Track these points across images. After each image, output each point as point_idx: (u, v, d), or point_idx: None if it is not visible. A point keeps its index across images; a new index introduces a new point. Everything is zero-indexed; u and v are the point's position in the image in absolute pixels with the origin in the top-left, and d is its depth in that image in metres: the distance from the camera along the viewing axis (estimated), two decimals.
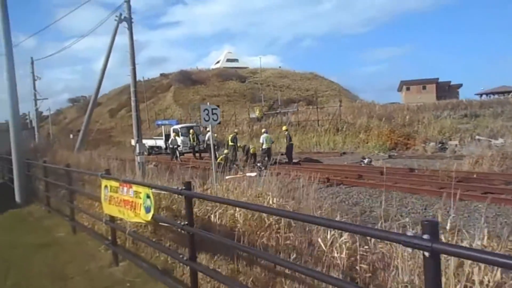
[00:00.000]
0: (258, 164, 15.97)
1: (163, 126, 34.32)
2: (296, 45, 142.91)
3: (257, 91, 63.14)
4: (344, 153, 23.54)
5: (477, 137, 20.21)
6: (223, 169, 13.40)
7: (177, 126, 31.19)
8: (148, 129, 47.67)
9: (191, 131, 25.96)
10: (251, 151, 19.16)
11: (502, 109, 27.33)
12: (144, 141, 32.07)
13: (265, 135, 18.72)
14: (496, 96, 50.39)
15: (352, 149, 24.29)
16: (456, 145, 20.62)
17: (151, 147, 33.07)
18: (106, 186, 5.66)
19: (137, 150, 16.10)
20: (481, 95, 55.36)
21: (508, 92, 52.41)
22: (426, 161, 17.95)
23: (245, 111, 44.19)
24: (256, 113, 43.99)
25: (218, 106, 11.86)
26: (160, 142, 32.82)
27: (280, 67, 76.33)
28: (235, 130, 21.07)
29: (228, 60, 78.89)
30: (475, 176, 12.42)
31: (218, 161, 18.12)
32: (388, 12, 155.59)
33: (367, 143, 24.08)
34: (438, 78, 53.92)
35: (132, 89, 16.32)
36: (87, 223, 7.71)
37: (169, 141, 25.23)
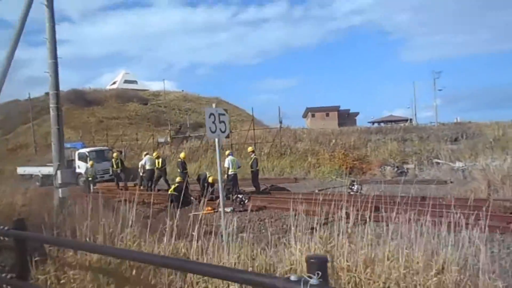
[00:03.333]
0: (240, 196, 11.95)
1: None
2: (192, 72, 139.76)
3: (162, 114, 58.05)
4: (295, 178, 20.77)
5: (435, 160, 19.20)
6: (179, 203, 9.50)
7: (84, 150, 24.97)
8: (36, 154, 39.11)
9: (114, 154, 20.41)
10: (209, 180, 14.94)
11: (427, 134, 27.72)
12: (36, 169, 25.03)
13: (230, 157, 14.70)
14: (388, 124, 53.98)
15: (303, 175, 21.60)
16: (413, 168, 19.34)
17: (46, 176, 25.95)
18: None
19: (58, 180, 10.93)
20: (373, 123, 58.86)
21: (395, 121, 56.90)
22: (402, 187, 16.06)
23: (150, 135, 39.45)
24: (168, 138, 39.76)
25: (226, 110, 7.96)
26: None
27: (183, 90, 71.89)
28: (181, 155, 16.47)
29: (126, 82, 71.72)
30: None
31: (170, 191, 13.61)
32: (280, 46, 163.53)
33: (317, 167, 21.67)
34: (339, 106, 55.84)
35: (51, 92, 11.20)
36: None
37: (85, 170, 19.42)
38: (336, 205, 10.98)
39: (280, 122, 29.57)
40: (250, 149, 16.41)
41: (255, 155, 15.93)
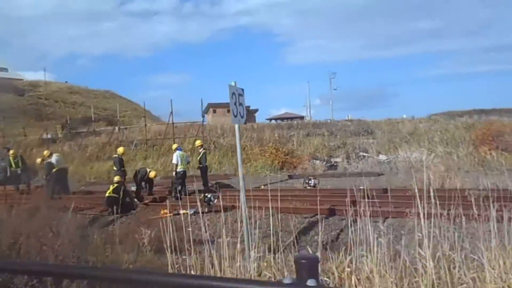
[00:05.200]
0: (208, 195, 10.29)
1: None
2: (71, 62, 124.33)
3: (43, 108, 50.52)
4: (225, 175, 19.58)
5: (361, 153, 20.00)
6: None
7: None
8: None
9: (11, 152, 16.30)
10: (150, 175, 12.79)
11: (336, 129, 29.04)
12: None
13: (178, 152, 12.72)
14: (285, 121, 56.02)
15: (232, 171, 20.48)
16: (342, 162, 19.88)
17: None
18: None
19: None
20: (270, 119, 60.49)
21: (291, 118, 59.43)
22: (343, 180, 16.24)
23: (32, 131, 34.04)
24: (58, 133, 34.68)
25: (243, 90, 6.64)
26: None
27: (66, 82, 63.79)
28: (119, 150, 13.68)
29: None
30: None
31: (108, 193, 11.33)
32: (171, 40, 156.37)
33: (247, 163, 20.78)
34: None
35: None
36: None
37: None
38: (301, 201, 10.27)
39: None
40: (198, 142, 14.61)
41: (204, 149, 14.25)
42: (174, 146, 13.53)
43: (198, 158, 14.08)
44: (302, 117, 58.12)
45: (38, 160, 15.78)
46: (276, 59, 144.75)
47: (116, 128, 34.53)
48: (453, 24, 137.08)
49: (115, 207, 10.80)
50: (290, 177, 17.96)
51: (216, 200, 10.30)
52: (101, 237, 7.18)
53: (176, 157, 12.55)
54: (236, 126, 6.24)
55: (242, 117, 6.36)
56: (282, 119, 60.11)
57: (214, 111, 55.32)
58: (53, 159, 14.63)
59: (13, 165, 15.57)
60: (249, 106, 59.81)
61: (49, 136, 34.17)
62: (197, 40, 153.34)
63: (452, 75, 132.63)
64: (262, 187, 15.62)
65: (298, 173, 18.76)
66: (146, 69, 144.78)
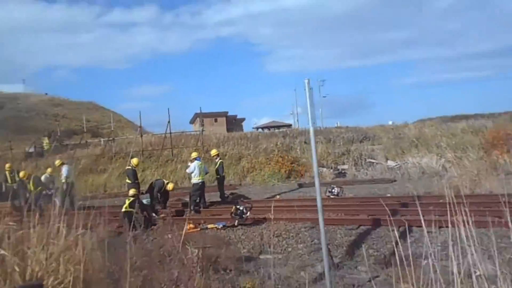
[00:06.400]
0: (241, 208, 9.35)
1: None
2: (49, 74, 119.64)
3: (23, 121, 48.28)
4: (230, 185, 18.64)
5: (369, 160, 19.48)
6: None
7: None
8: None
9: (7, 165, 14.88)
10: (168, 187, 11.75)
11: (330, 137, 28.56)
12: None
13: (197, 162, 11.80)
14: (271, 129, 55.43)
15: (237, 180, 19.58)
16: (350, 169, 19.30)
17: None
18: None
19: None
20: (257, 128, 59.83)
21: (278, 126, 58.93)
22: (358, 188, 15.61)
23: (14, 145, 32.14)
24: (44, 145, 32.87)
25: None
26: None
27: (46, 94, 61.43)
28: (133, 161, 12.47)
29: None
30: None
31: (125, 208, 10.29)
32: (150, 51, 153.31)
33: (251, 172, 19.96)
34: (227, 112, 55.05)
35: None
36: None
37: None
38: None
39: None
40: (214, 152, 13.65)
41: (220, 158, 13.33)
42: (194, 154, 12.51)
43: (215, 168, 13.13)
44: (289, 125, 57.76)
45: (49, 170, 14.41)
46: (257, 68, 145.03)
47: (104, 139, 33.21)
48: (425, 34, 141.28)
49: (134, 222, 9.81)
50: (300, 185, 17.19)
51: (248, 212, 9.40)
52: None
53: (194, 166, 11.59)
54: (311, 129, 5.45)
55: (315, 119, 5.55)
56: (269, 127, 59.54)
57: (202, 121, 54.36)
58: (64, 169, 13.41)
59: (9, 180, 14.20)
60: (236, 115, 59.15)
61: (31, 149, 32.38)
62: (178, 51, 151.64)
63: (424, 83, 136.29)
64: (278, 197, 14.84)
65: (307, 182, 18.04)
66: (127, 81, 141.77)
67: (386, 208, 5.39)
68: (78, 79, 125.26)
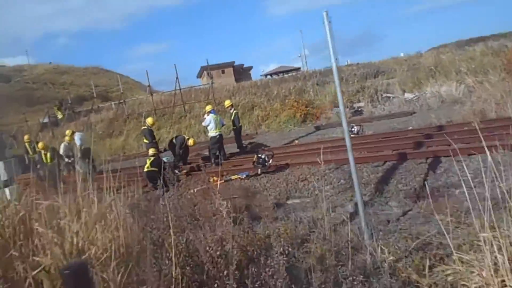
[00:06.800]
0: (262, 156, 9.22)
1: None
2: (49, 42, 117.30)
3: (32, 92, 48.28)
4: (246, 134, 18.48)
5: (385, 94, 18.91)
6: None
7: None
8: None
9: (25, 137, 15.02)
10: (189, 143, 11.67)
11: (342, 75, 27.71)
12: None
13: (212, 115, 11.57)
14: (281, 75, 54.18)
15: (252, 129, 19.41)
16: (366, 106, 18.84)
17: None
18: None
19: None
20: (266, 75, 58.62)
21: (287, 71, 57.56)
22: (377, 124, 15.28)
23: (27, 117, 32.31)
24: (57, 115, 32.88)
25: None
26: None
27: (51, 63, 60.74)
28: (148, 121, 12.20)
29: None
30: None
31: (146, 168, 10.28)
32: (146, 8, 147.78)
33: (266, 120, 19.71)
34: (234, 62, 53.80)
35: None
36: None
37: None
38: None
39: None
40: (227, 103, 13.31)
41: (234, 109, 13.04)
42: (208, 107, 12.21)
43: (231, 119, 12.88)
44: (298, 69, 56.33)
45: (67, 138, 14.43)
46: (259, 13, 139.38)
47: (115, 102, 33.12)
48: None
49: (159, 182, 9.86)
50: (318, 128, 16.93)
51: (270, 160, 9.27)
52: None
53: (209, 120, 11.36)
54: (334, 65, 5.07)
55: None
56: (278, 73, 58.30)
57: (209, 74, 53.34)
58: (77, 138, 13.44)
59: (30, 151, 14.32)
60: (243, 64, 57.83)
61: (46, 120, 32.54)
62: (174, 4, 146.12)
63: (435, 8, 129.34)
64: (296, 142, 14.67)
65: (324, 123, 17.76)
66: (127, 41, 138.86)
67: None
68: (79, 44, 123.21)
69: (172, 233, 2.32)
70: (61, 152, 14.61)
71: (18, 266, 1.91)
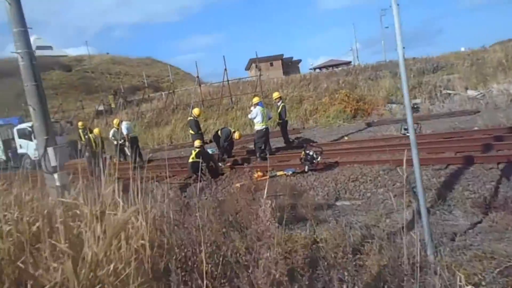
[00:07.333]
0: (310, 153, 8.68)
1: None
2: (108, 34, 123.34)
3: (91, 81, 50.69)
4: (293, 129, 17.89)
5: (445, 91, 17.50)
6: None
7: (25, 125, 19.28)
8: None
9: (79, 124, 15.53)
10: (235, 136, 11.38)
11: (396, 70, 26.15)
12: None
13: (259, 108, 11.13)
14: (329, 68, 52.66)
15: (299, 124, 18.78)
16: (423, 103, 17.53)
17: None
18: None
19: (52, 162, 7.02)
20: (314, 69, 57.31)
21: (337, 65, 55.89)
22: (434, 123, 14.10)
23: (84, 104, 33.70)
24: (111, 103, 34.16)
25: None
26: None
27: (108, 53, 63.45)
28: (194, 111, 12.03)
29: (39, 48, 61.06)
30: None
31: (192, 159, 10.02)
32: (200, 1, 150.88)
33: (313, 114, 18.98)
34: (283, 55, 53.05)
35: None
36: None
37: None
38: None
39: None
40: (276, 95, 12.81)
41: (282, 102, 12.53)
42: (256, 99, 11.77)
43: (278, 112, 12.37)
44: (348, 63, 54.51)
45: (115, 126, 14.85)
46: (310, 6, 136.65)
47: (165, 92, 33.75)
48: None
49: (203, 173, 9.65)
50: (369, 125, 15.95)
51: (319, 157, 8.69)
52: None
53: (256, 112, 10.92)
54: (400, 53, 4.38)
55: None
56: (327, 67, 56.77)
57: (257, 66, 53.08)
58: (123, 127, 13.65)
59: (83, 138, 14.77)
60: (291, 57, 56.91)
61: (101, 107, 33.97)
62: None
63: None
64: (346, 138, 13.89)
65: (375, 120, 16.73)
66: (180, 33, 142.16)
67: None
68: (134, 36, 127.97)
69: (204, 259, 1.89)
70: (110, 136, 15.01)
71: (26, 281, 1.59)
